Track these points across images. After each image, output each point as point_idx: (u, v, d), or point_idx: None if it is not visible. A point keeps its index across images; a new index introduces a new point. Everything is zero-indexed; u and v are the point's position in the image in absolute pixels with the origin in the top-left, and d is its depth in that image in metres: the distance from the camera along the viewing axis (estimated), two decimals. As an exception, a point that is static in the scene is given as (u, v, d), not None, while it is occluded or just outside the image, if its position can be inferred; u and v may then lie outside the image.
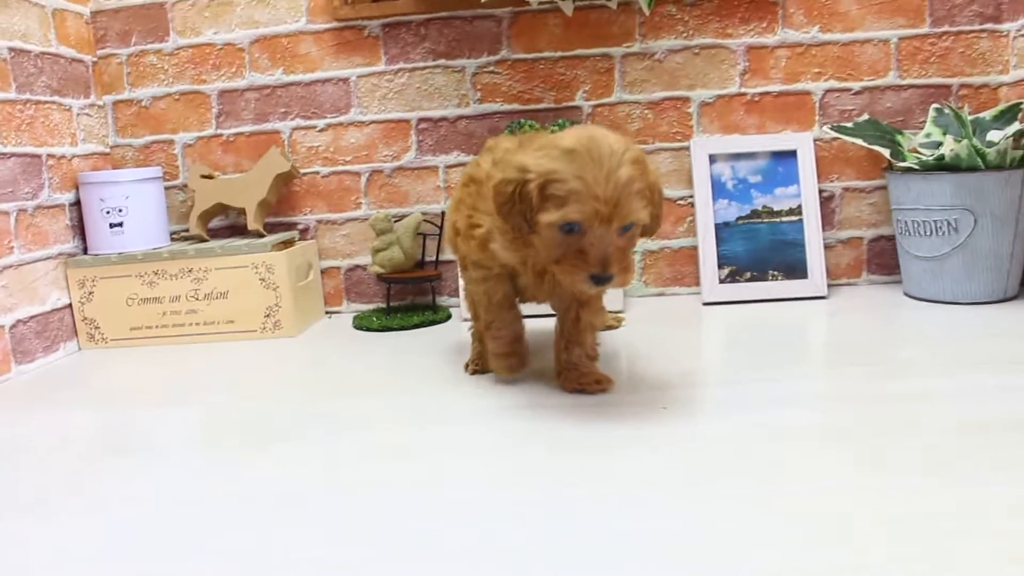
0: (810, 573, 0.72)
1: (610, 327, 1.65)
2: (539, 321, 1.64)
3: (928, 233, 1.70)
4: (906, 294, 1.81)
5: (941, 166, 1.67)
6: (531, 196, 1.09)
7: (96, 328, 1.85)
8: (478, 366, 1.42)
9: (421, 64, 1.93)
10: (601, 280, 1.09)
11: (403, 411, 1.26)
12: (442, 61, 1.93)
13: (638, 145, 1.16)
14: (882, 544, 0.76)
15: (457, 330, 1.77)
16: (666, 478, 0.95)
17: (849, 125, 1.82)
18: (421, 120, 1.95)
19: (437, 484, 0.97)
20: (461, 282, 1.80)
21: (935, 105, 1.81)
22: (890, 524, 0.80)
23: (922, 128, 1.83)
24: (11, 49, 1.70)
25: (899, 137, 1.81)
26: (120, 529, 0.91)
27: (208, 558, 0.83)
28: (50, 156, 1.80)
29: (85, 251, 1.90)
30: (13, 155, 1.69)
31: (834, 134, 1.81)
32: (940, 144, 1.73)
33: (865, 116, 1.85)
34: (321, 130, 1.98)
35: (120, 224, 1.85)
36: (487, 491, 0.94)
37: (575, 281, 1.11)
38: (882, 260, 1.93)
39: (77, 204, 1.89)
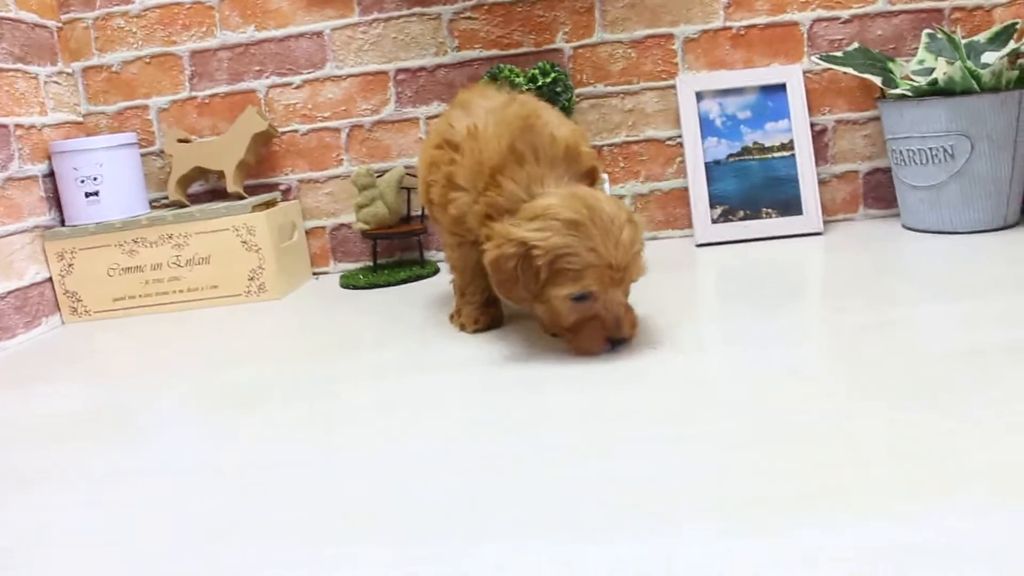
0: (791, 502, 0.69)
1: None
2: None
3: (924, 162, 1.65)
4: (904, 226, 1.76)
5: (935, 91, 1.62)
6: (538, 270, 1.08)
7: (78, 301, 1.81)
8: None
9: (396, 13, 1.87)
10: (618, 343, 1.13)
11: (386, 367, 1.22)
12: (417, 9, 1.86)
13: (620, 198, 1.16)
14: (874, 474, 0.73)
15: (445, 283, 1.73)
16: (652, 414, 0.92)
17: (838, 54, 1.77)
18: (399, 71, 1.90)
19: (423, 433, 0.95)
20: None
21: (927, 30, 1.75)
22: (886, 453, 0.77)
23: (915, 55, 1.78)
24: (-30, 16, 1.65)
25: (891, 65, 1.75)
26: (112, 506, 0.87)
27: (202, 525, 0.80)
28: (18, 126, 1.75)
29: (63, 223, 1.85)
30: (-20, 126, 1.64)
31: (824, 64, 1.76)
32: (934, 70, 1.67)
33: (855, 45, 1.79)
34: (297, 87, 1.92)
35: (96, 193, 1.80)
36: (468, 439, 0.92)
37: (591, 347, 1.13)
38: (879, 193, 1.88)
39: (52, 175, 1.84)
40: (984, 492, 0.68)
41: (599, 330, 1.12)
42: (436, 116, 1.89)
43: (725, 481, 0.75)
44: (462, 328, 1.35)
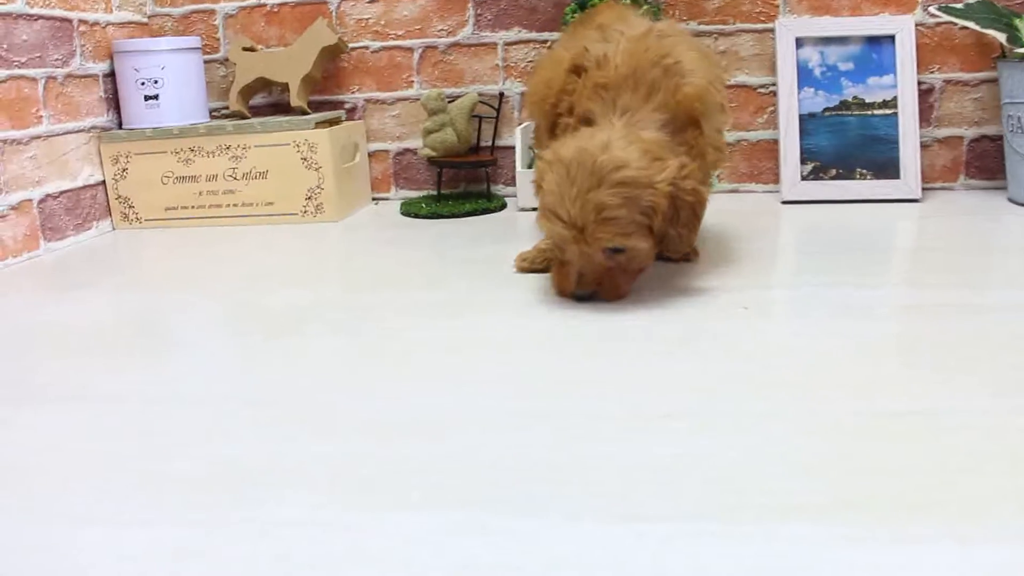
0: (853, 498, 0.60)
1: (687, 259, 1.32)
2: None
3: (1043, 130, 1.51)
4: (1011, 200, 1.62)
5: (1067, 53, 1.47)
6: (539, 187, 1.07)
7: (130, 207, 1.75)
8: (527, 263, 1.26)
9: (481, -72, 1.75)
10: (578, 297, 1.06)
11: (444, 305, 1.13)
12: (504, -75, 1.75)
13: (656, 160, 1.02)
14: (944, 470, 0.63)
15: (513, 220, 1.63)
16: (717, 386, 0.82)
17: (959, 6, 1.62)
18: (480, -8, 1.79)
19: (472, 379, 0.86)
20: (518, 169, 1.66)
21: (1060, -14, 1.59)
22: (956, 448, 0.67)
23: (1042, 14, 1.62)
24: (38, -102, 1.56)
25: (1017, 21, 1.60)
26: (136, 420, 0.80)
27: (222, 452, 0.73)
28: (82, 22, 1.68)
29: (120, 126, 1.79)
30: (41, 17, 1.57)
31: (940, 16, 1.61)
32: (1062, 32, 1.52)
33: (978, -3, 1.64)
34: (371, 1, 1.82)
35: (155, 97, 1.73)
36: (518, 391, 0.82)
37: (556, 285, 1.10)
38: (983, 163, 1.74)
39: (112, 76, 1.77)
40: None
41: (563, 277, 1.08)
42: (516, 43, 1.78)
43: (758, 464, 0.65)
44: (520, 264, 1.24)
